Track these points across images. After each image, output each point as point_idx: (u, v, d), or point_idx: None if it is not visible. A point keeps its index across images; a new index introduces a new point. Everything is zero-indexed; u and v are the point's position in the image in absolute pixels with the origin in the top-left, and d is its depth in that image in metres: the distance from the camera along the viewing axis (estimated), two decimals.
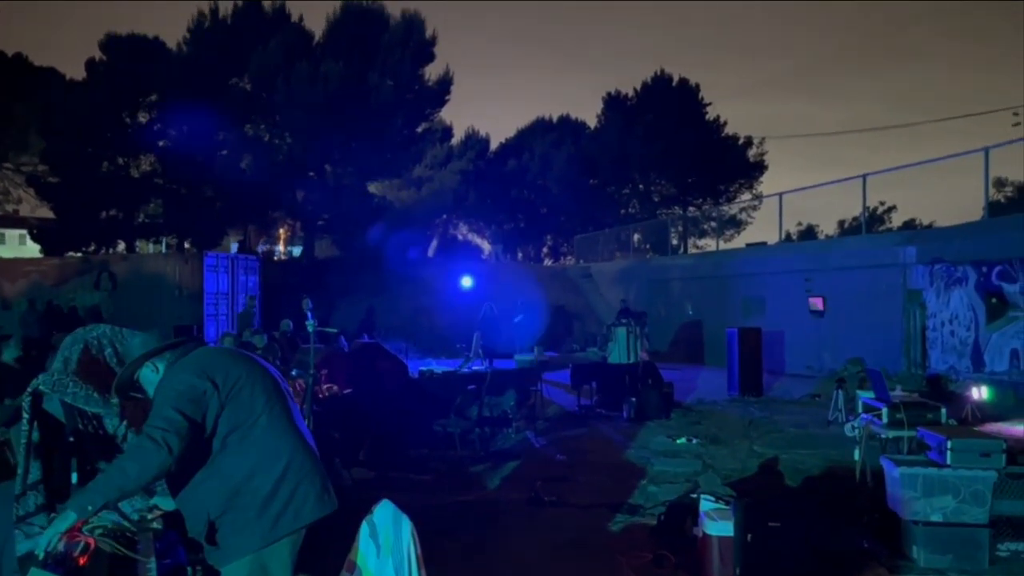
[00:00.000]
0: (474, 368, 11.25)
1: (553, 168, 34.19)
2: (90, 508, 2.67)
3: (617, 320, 11.63)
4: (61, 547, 2.64)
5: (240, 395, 2.97)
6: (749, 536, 4.50)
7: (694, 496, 5.23)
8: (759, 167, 33.93)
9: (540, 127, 37.55)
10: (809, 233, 30.51)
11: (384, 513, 3.66)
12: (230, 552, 2.90)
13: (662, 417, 10.88)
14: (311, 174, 29.61)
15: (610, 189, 35.01)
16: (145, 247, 33.59)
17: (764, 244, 21.91)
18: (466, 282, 22.69)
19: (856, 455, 6.44)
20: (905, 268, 15.48)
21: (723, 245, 29.54)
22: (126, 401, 3.90)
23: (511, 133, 37.99)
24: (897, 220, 31.89)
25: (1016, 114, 28.10)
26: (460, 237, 36.74)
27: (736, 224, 30.34)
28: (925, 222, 28.07)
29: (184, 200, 28.57)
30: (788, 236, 28.37)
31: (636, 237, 31.86)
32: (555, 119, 37.71)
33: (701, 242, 31.47)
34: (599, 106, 36.57)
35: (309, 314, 5.52)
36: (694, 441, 9.17)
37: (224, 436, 2.93)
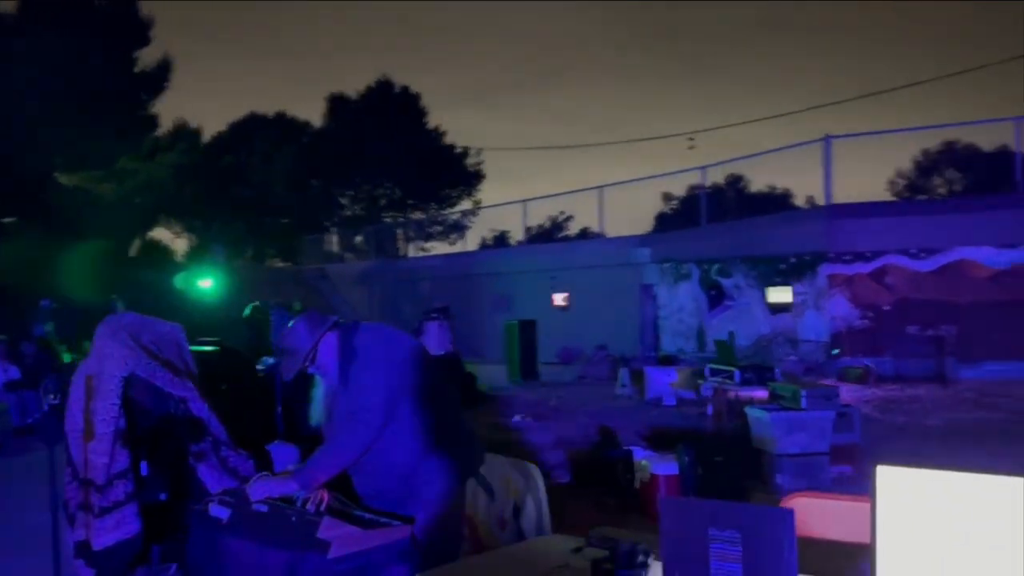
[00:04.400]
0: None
1: (276, 167, 33.18)
2: (313, 484, 2.98)
3: (427, 315, 12.17)
4: (305, 501, 2.92)
5: (409, 364, 3.27)
6: (700, 470, 5.50)
7: (627, 449, 6.10)
8: (477, 176, 36.20)
9: (255, 123, 36.08)
10: (501, 240, 31.55)
11: (496, 465, 4.04)
12: (430, 496, 3.19)
13: (476, 405, 11.64)
14: None
15: (335, 191, 34.88)
16: None
17: (512, 245, 23.69)
18: (206, 284, 21.40)
19: (710, 410, 7.83)
20: (640, 267, 18.03)
21: (448, 249, 31.07)
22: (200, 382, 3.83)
23: (222, 128, 36.05)
24: (574, 228, 34.01)
25: (691, 139, 33.45)
26: (174, 236, 34.04)
27: (460, 229, 32.03)
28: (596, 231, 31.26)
29: None
30: (484, 242, 30.21)
31: (358, 239, 32.19)
32: (271, 115, 36.53)
33: (427, 245, 32.74)
34: (321, 106, 36.30)
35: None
36: (528, 418, 10.10)
37: (411, 400, 3.21)
